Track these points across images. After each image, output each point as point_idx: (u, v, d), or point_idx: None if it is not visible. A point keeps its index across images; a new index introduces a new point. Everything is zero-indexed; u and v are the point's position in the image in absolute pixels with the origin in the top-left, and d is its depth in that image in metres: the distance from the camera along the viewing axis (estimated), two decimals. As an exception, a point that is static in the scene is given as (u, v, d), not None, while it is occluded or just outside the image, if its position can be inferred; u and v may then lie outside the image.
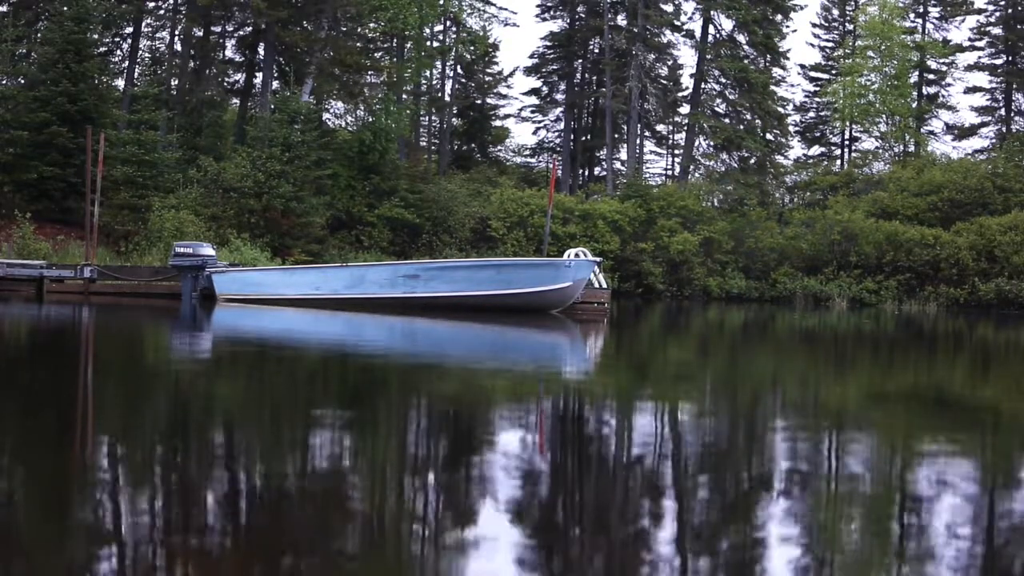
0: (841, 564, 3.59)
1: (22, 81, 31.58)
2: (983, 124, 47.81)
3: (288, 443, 5.61)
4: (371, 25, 38.48)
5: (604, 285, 22.43)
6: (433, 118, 48.12)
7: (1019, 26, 45.78)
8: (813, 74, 50.77)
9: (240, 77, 40.29)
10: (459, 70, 49.01)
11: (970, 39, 47.05)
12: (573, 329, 17.05)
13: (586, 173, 51.62)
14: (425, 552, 3.56)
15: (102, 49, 34.58)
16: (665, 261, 36.36)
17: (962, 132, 47.53)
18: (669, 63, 49.10)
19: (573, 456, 5.54)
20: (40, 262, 21.70)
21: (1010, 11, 46.10)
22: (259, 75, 37.88)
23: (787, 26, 46.04)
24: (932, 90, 47.85)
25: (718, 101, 45.64)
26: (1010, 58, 46.56)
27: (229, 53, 39.99)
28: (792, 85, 62.67)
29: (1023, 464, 5.90)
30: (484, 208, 35.94)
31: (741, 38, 45.10)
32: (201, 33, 38.14)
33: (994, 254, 34.60)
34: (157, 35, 42.96)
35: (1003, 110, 47.48)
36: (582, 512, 4.27)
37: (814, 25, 51.68)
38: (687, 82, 48.62)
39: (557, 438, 6.07)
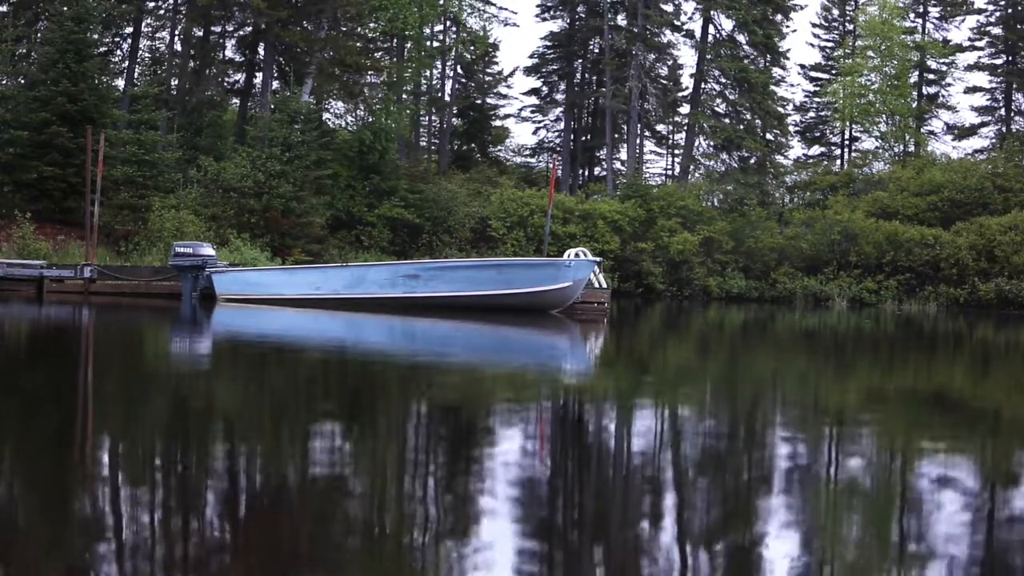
0: (841, 563, 3.59)
1: (22, 81, 31.58)
2: (983, 124, 47.79)
3: (288, 443, 5.60)
4: (371, 25, 38.48)
5: (604, 285, 22.41)
6: (433, 118, 48.10)
7: (1019, 26, 45.74)
8: (813, 74, 50.72)
9: (240, 77, 40.27)
10: (459, 70, 48.98)
11: (970, 39, 47.04)
12: (573, 329, 17.04)
13: (586, 173, 51.59)
14: (425, 552, 3.56)
15: (102, 49, 34.50)
16: (665, 261, 36.34)
17: (962, 132, 47.51)
18: (669, 63, 49.12)
19: (573, 456, 5.54)
20: (40, 262, 21.68)
21: (1010, 11, 46.07)
22: (259, 75, 37.87)
23: (787, 26, 46.09)
24: (932, 90, 47.82)
25: (718, 101, 45.64)
26: (1010, 58, 46.54)
27: (229, 53, 39.98)
28: (792, 85, 62.57)
29: (1022, 463, 5.90)
30: (484, 208, 35.91)
31: (741, 38, 45.10)
32: (201, 33, 38.13)
33: (994, 254, 34.58)
34: (157, 35, 42.98)
35: (1003, 110, 47.45)
36: (582, 511, 4.26)
37: (814, 25, 51.65)
38: (687, 82, 48.67)
39: (557, 438, 6.06)
